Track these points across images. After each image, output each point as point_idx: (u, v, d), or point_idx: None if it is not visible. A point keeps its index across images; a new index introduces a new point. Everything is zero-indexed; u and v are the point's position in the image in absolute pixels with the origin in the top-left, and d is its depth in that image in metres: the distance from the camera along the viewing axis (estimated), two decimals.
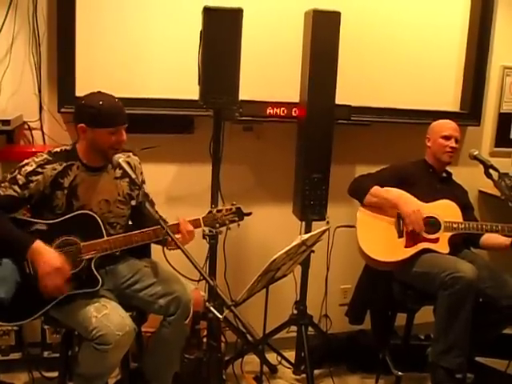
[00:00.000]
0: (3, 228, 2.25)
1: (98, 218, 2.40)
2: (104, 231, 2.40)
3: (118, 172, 2.52)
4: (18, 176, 2.31)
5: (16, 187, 2.29)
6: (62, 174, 2.38)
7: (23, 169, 2.33)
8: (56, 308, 2.36)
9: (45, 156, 2.38)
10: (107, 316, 2.27)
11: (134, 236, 2.42)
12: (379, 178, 3.08)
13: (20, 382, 3.02)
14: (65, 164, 2.39)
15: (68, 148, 2.45)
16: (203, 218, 2.53)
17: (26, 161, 2.36)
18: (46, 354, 3.09)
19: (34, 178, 2.32)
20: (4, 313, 2.32)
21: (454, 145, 3.12)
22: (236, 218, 2.59)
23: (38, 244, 2.24)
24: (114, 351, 2.25)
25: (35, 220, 2.34)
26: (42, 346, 3.09)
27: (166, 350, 2.57)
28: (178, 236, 2.39)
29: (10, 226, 2.27)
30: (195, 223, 2.51)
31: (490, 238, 3.03)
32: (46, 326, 3.02)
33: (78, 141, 2.44)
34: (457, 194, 3.18)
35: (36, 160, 2.35)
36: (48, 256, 2.24)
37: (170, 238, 2.31)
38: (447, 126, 3.15)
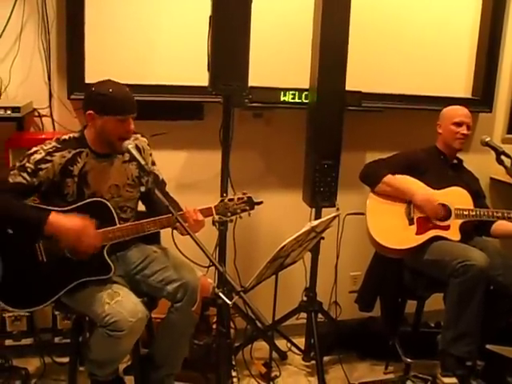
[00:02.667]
0: (17, 207, 2.26)
1: (111, 206, 2.41)
2: (116, 219, 2.41)
3: (127, 155, 2.51)
4: (27, 164, 2.31)
5: (25, 175, 2.29)
6: (72, 162, 2.38)
7: (32, 157, 2.32)
8: (68, 295, 2.38)
9: (53, 144, 2.37)
10: (120, 303, 2.29)
11: (146, 224, 2.42)
12: (391, 165, 3.06)
13: (32, 367, 3.04)
14: (73, 151, 2.39)
15: (76, 135, 2.44)
16: (215, 206, 2.53)
17: (34, 148, 2.35)
18: (57, 339, 3.11)
19: (43, 165, 2.32)
20: (17, 299, 2.34)
21: (465, 131, 3.09)
22: (247, 207, 2.58)
23: (54, 216, 2.25)
24: (126, 337, 2.27)
25: (47, 207, 2.33)
26: (53, 331, 3.12)
27: (173, 336, 2.58)
28: (185, 225, 2.39)
29: (22, 205, 2.28)
30: (207, 212, 2.50)
31: (502, 226, 3.01)
32: (56, 312, 3.04)
33: (87, 128, 2.44)
34: (468, 181, 3.16)
35: (45, 148, 2.35)
36: (68, 224, 2.25)
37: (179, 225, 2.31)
38: (459, 113, 3.12)
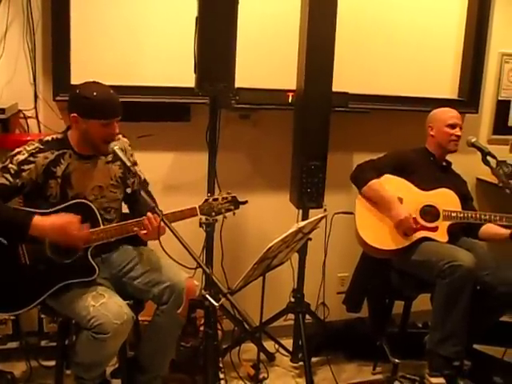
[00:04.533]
0: (0, 210, 2.24)
1: (94, 207, 2.39)
2: (100, 220, 2.40)
3: (110, 156, 2.51)
4: (10, 165, 2.29)
5: (8, 176, 2.28)
6: (55, 163, 2.36)
7: (15, 158, 2.31)
8: (53, 297, 2.36)
9: (36, 145, 2.36)
10: (105, 305, 2.27)
11: (130, 225, 2.41)
12: (381, 165, 3.07)
13: (18, 371, 3.01)
14: (57, 152, 2.37)
15: (59, 136, 2.43)
16: (199, 206, 2.53)
17: (17, 149, 2.34)
18: (43, 343, 3.09)
19: (26, 166, 2.30)
20: (1, 302, 2.32)
21: (459, 133, 3.10)
22: (232, 207, 2.59)
23: (37, 218, 2.24)
24: (112, 340, 2.25)
25: (31, 209, 2.32)
26: (40, 335, 3.09)
27: (159, 338, 2.57)
28: (143, 232, 2.39)
29: (6, 208, 2.27)
30: (191, 212, 2.50)
31: (490, 229, 3.02)
32: (42, 316, 3.02)
33: (70, 129, 2.42)
34: (456, 183, 3.17)
35: (28, 149, 2.34)
36: (52, 222, 2.25)
37: None
38: (451, 115, 3.13)
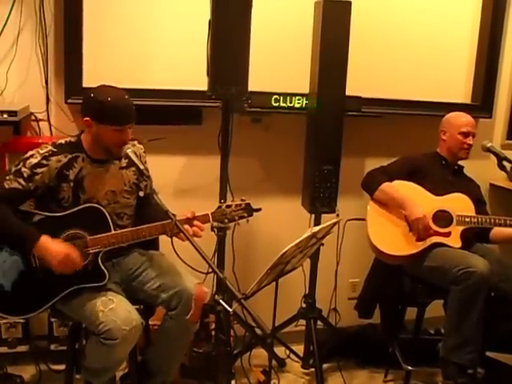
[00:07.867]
0: (8, 223, 2.23)
1: (106, 212, 2.37)
2: (111, 225, 2.38)
3: (124, 162, 2.49)
4: (23, 169, 2.28)
5: (21, 180, 2.27)
6: (67, 166, 2.35)
7: (28, 161, 2.29)
8: (63, 301, 2.35)
9: (49, 148, 2.35)
10: (114, 310, 2.26)
11: (141, 230, 2.38)
12: (392, 171, 3.05)
13: (27, 375, 3.00)
14: (70, 156, 2.36)
15: (72, 140, 2.42)
16: (212, 213, 2.48)
17: (30, 153, 2.33)
18: (53, 346, 3.07)
19: (39, 170, 2.29)
20: (11, 306, 2.32)
21: (471, 142, 3.08)
22: (245, 214, 2.54)
23: (44, 239, 2.22)
24: (120, 346, 2.23)
25: (41, 212, 2.32)
26: (49, 338, 3.08)
27: (168, 343, 2.55)
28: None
29: (15, 222, 2.25)
30: (204, 218, 2.46)
31: (500, 231, 2.99)
32: (53, 319, 3.01)
33: (84, 133, 2.40)
34: (469, 187, 3.14)
35: (40, 152, 2.32)
36: (54, 249, 2.23)
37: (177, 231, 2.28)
38: (465, 122, 3.09)
